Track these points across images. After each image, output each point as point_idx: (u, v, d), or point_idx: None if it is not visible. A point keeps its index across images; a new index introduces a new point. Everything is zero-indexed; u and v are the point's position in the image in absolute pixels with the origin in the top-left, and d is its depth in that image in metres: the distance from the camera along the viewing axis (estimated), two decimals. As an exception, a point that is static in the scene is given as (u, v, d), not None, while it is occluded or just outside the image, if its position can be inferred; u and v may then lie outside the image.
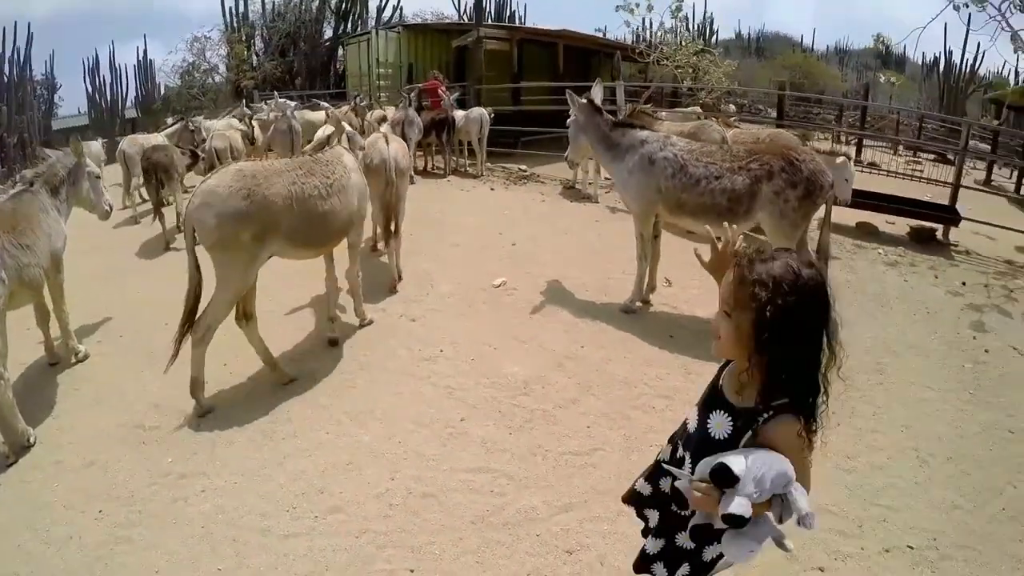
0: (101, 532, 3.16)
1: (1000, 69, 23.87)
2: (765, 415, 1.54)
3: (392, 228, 5.56)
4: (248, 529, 3.10)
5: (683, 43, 17.33)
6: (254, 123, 11.17)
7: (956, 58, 22.30)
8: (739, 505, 1.47)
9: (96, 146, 10.29)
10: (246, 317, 4.22)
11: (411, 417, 3.94)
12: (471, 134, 11.23)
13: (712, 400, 1.70)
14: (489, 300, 5.58)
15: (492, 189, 10.15)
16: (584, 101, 5.31)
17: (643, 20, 20.72)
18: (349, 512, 3.18)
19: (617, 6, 18.56)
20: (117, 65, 20.82)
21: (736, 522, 1.48)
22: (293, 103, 12.26)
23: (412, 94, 11.73)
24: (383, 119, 8.81)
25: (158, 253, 7.54)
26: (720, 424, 1.63)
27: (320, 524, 3.12)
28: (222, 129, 9.55)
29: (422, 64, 16.97)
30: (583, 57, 18.66)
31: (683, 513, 1.76)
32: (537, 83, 15.01)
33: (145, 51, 22.34)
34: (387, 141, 5.60)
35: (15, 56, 17.43)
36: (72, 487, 3.52)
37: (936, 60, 24.70)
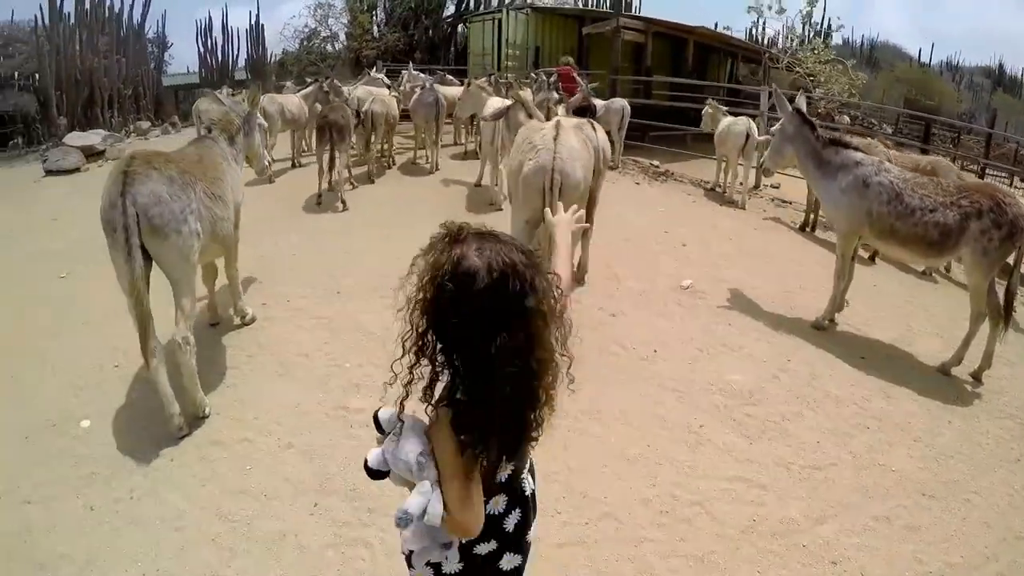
0: (324, 532, 2.92)
1: None
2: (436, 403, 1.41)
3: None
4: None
5: (815, 49, 16.69)
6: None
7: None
8: (373, 454, 1.48)
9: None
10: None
11: (651, 420, 3.84)
12: (611, 124, 11.01)
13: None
14: (683, 302, 5.46)
15: (637, 184, 9.97)
16: (794, 111, 5.17)
17: (762, 22, 20.01)
18: (621, 519, 3.08)
19: (749, 7, 18.14)
20: (229, 28, 21.32)
21: (367, 470, 1.48)
22: (427, 76, 12.37)
23: (551, 78, 11.66)
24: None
25: (312, 210, 7.68)
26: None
27: (593, 531, 3.01)
28: (377, 94, 9.60)
29: (548, 48, 16.83)
30: (704, 55, 18.23)
31: None
32: (672, 79, 14.66)
33: (258, 16, 22.55)
34: (594, 128, 5.49)
35: (131, 13, 17.98)
36: (270, 472, 3.29)
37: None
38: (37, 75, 15.41)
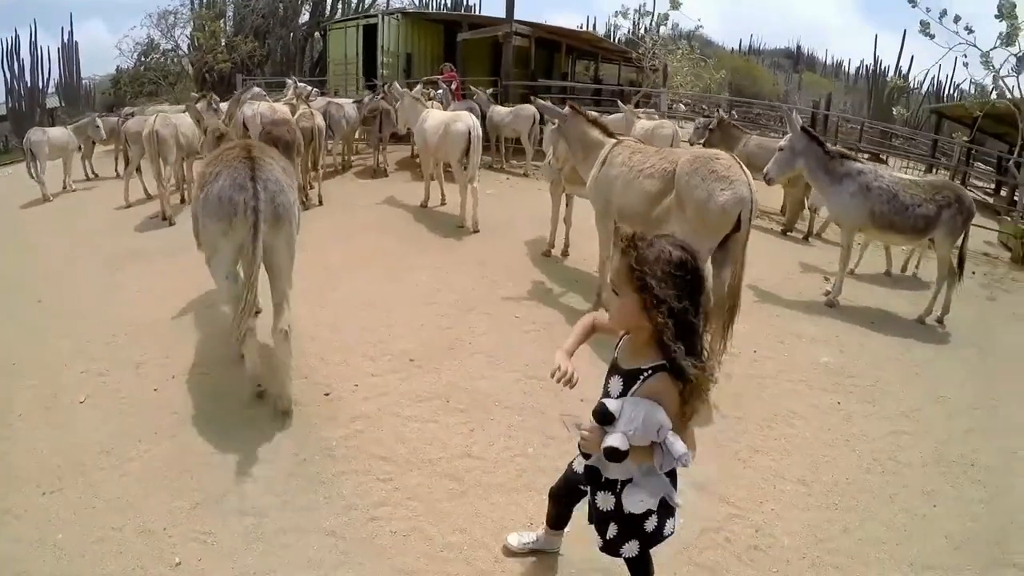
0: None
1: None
2: (646, 373, 1.83)
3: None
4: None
5: (682, 51, 17.92)
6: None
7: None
8: (615, 438, 1.77)
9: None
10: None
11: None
12: (521, 131, 11.06)
13: (611, 370, 1.98)
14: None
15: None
16: (803, 130, 5.81)
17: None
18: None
19: (616, 11, 19.01)
20: (39, 48, 18.86)
21: (614, 455, 1.78)
22: (312, 88, 11.70)
23: (450, 84, 11.51)
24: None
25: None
26: (613, 386, 1.92)
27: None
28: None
29: (419, 55, 16.50)
30: (549, 53, 18.68)
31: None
32: (552, 82, 14.95)
33: (71, 32, 19.79)
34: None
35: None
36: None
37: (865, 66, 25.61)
38: None
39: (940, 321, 5.60)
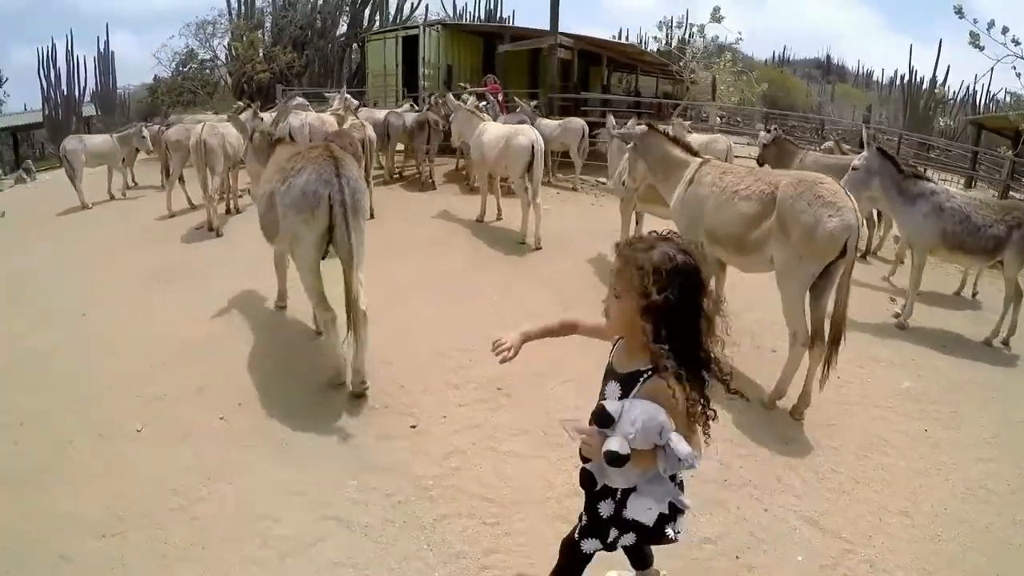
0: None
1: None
2: (646, 375, 1.79)
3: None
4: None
5: (723, 63, 17.56)
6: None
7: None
8: (615, 442, 1.70)
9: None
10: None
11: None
12: (571, 144, 10.73)
13: (607, 375, 1.94)
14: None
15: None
16: (878, 150, 5.77)
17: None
18: None
19: (660, 22, 18.73)
20: (75, 57, 18.92)
21: (614, 459, 1.69)
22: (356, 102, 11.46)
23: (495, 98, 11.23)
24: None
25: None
26: (611, 391, 1.88)
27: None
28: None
29: (459, 67, 16.27)
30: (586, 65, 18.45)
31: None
32: (594, 95, 14.66)
33: (107, 42, 20.03)
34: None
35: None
36: None
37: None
38: None
39: (1006, 343, 5.48)
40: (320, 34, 19.24)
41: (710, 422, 1.80)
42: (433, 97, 11.85)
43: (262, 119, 7.87)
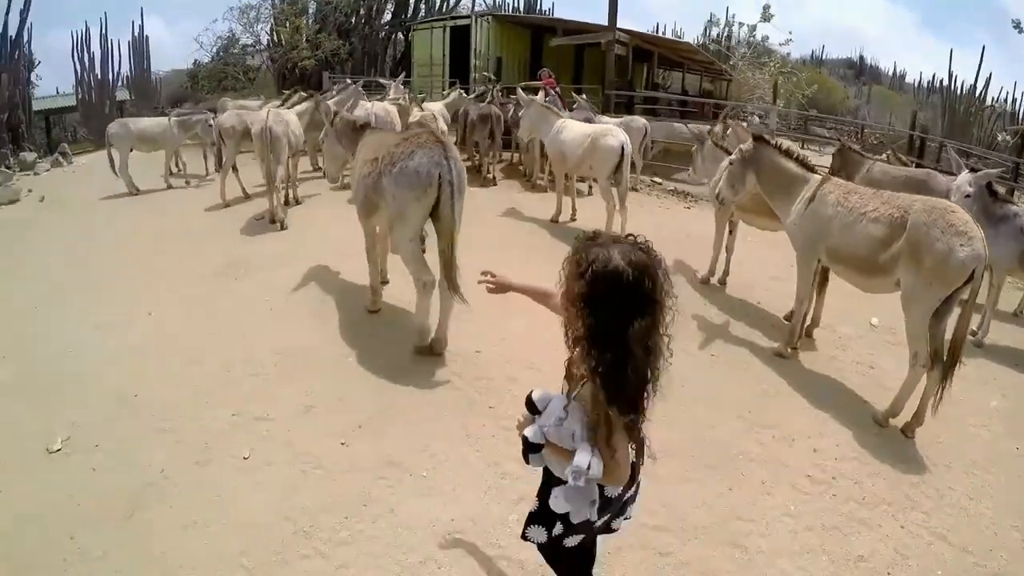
0: None
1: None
2: (583, 383, 1.69)
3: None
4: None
5: (774, 63, 17.09)
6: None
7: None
8: (529, 429, 1.76)
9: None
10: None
11: None
12: (633, 144, 10.27)
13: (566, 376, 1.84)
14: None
15: (688, 208, 9.37)
16: (984, 178, 5.65)
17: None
18: None
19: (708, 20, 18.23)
20: (109, 41, 18.57)
21: (524, 444, 1.75)
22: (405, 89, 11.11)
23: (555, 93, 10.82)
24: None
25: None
26: (563, 387, 1.81)
27: None
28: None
29: (508, 58, 15.85)
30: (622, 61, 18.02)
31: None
32: (650, 92, 14.20)
33: (142, 26, 19.79)
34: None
35: (5, 22, 14.98)
36: None
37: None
38: None
39: None
40: (365, 21, 18.82)
41: (644, 448, 1.70)
42: (493, 87, 11.47)
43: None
